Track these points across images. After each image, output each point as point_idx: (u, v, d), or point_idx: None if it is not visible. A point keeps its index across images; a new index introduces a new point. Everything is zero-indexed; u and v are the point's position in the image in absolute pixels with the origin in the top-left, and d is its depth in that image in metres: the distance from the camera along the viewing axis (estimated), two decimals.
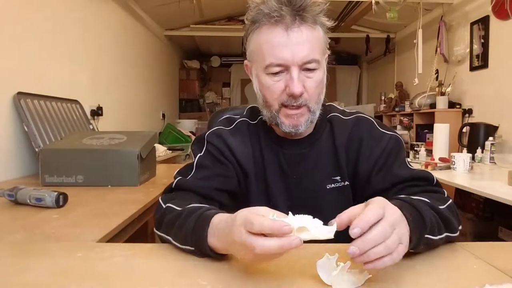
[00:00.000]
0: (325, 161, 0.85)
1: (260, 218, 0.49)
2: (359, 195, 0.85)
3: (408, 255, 0.61)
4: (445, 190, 0.75)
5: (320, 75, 0.77)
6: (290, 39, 0.72)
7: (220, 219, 0.59)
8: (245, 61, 0.85)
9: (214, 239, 0.59)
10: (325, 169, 0.85)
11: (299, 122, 0.77)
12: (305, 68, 0.74)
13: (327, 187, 0.85)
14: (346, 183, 0.85)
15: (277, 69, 0.74)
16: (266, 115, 0.81)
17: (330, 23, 0.77)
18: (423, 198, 0.65)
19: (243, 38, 0.83)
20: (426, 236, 0.60)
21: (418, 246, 0.59)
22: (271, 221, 0.48)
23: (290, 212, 0.52)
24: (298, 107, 0.76)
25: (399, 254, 0.50)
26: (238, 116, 0.92)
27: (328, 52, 0.82)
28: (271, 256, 0.51)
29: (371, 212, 0.50)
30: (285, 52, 0.72)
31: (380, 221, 0.49)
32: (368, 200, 0.54)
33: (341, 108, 0.91)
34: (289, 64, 0.72)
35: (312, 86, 0.75)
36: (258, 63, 0.77)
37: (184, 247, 0.64)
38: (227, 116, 0.94)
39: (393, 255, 0.50)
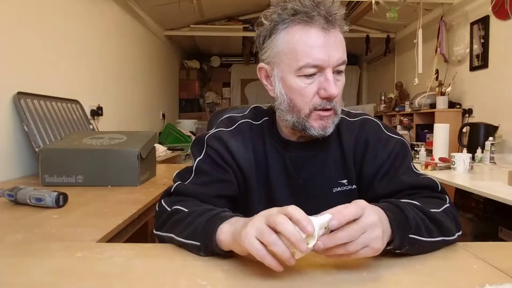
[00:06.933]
0: (332, 164, 0.84)
1: (295, 206, 0.53)
2: (363, 199, 0.84)
3: (407, 255, 0.61)
4: (447, 197, 0.74)
5: (344, 79, 0.77)
6: (327, 40, 0.71)
7: (240, 218, 0.62)
8: (261, 64, 0.80)
9: (224, 230, 0.59)
10: (332, 172, 0.84)
11: (328, 124, 0.76)
12: (335, 70, 0.73)
13: (334, 191, 0.83)
14: (354, 186, 0.84)
15: (312, 70, 0.72)
16: (291, 120, 0.78)
17: (347, 28, 0.77)
18: (412, 201, 0.66)
19: (256, 38, 0.79)
20: (411, 236, 0.60)
21: (402, 246, 0.59)
22: (302, 212, 0.52)
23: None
24: (329, 109, 0.75)
25: (357, 256, 0.54)
26: (240, 116, 0.90)
27: None
28: (274, 239, 0.51)
29: (349, 209, 0.54)
30: (323, 53, 0.70)
31: (352, 223, 0.53)
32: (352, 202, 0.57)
33: (346, 110, 0.90)
34: (325, 65, 0.71)
35: (340, 89, 0.76)
36: (286, 65, 0.74)
37: (188, 241, 0.63)
38: (228, 115, 0.91)
39: (351, 256, 0.54)
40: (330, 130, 0.77)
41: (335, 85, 0.72)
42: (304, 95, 0.74)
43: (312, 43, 0.70)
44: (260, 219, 0.54)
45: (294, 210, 0.52)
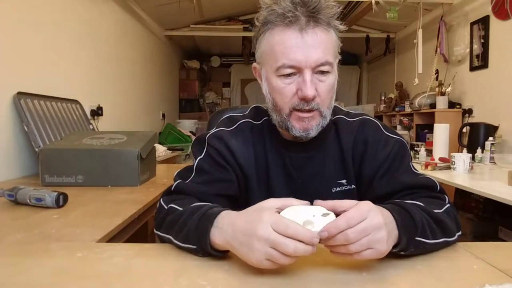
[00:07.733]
0: (331, 164, 0.84)
1: (294, 224, 0.53)
2: (362, 199, 0.84)
3: (407, 256, 0.61)
4: (447, 197, 0.74)
5: (332, 79, 0.75)
6: (304, 41, 0.70)
7: (228, 215, 0.61)
8: (254, 64, 0.83)
9: (217, 236, 0.59)
10: (331, 172, 0.84)
11: (310, 126, 0.76)
12: (318, 71, 0.72)
13: (333, 191, 0.83)
14: (353, 186, 0.84)
15: (289, 70, 0.72)
16: (276, 119, 0.79)
17: (343, 27, 0.76)
18: (417, 202, 0.66)
19: (252, 39, 0.81)
20: (417, 238, 0.60)
21: (408, 248, 0.59)
22: (305, 230, 0.53)
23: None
24: (310, 110, 0.74)
25: (361, 257, 0.54)
26: (241, 115, 0.90)
27: (339, 56, 0.80)
28: (288, 260, 0.53)
29: (343, 219, 0.53)
30: (299, 54, 0.70)
31: (355, 226, 0.53)
32: (358, 203, 0.57)
33: (345, 110, 0.90)
34: (302, 66, 0.71)
35: (324, 90, 0.74)
36: (269, 65, 0.75)
37: (185, 245, 0.64)
38: (229, 115, 0.91)
39: (354, 256, 0.54)
40: (313, 132, 0.76)
41: (312, 86, 0.71)
42: (283, 95, 0.74)
43: (288, 44, 0.71)
44: (262, 243, 0.53)
45: (287, 228, 0.52)
